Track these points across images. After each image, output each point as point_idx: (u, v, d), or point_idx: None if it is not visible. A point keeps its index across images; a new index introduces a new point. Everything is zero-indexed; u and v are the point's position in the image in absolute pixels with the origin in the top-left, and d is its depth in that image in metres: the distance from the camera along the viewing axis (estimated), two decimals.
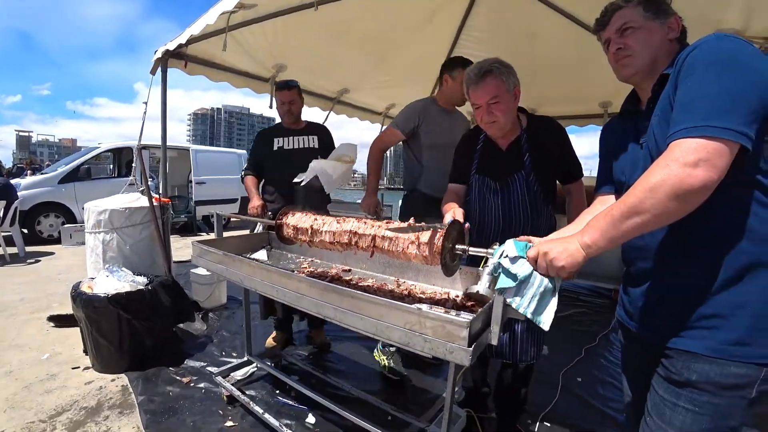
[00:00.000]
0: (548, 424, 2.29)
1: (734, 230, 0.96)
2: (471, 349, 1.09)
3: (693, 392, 1.00)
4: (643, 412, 1.17)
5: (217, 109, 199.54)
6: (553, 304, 1.13)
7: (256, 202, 2.74)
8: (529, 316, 1.12)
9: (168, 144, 3.50)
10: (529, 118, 1.94)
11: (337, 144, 2.93)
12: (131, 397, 2.37)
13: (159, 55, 2.99)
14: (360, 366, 2.84)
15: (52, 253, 6.07)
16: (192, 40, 2.82)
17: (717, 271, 0.97)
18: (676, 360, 1.03)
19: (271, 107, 3.80)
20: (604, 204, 1.31)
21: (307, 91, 4.08)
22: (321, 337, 3.09)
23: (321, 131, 3.03)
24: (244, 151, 9.62)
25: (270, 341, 3.03)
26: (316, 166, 2.58)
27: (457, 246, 1.30)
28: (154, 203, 3.30)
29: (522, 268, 1.12)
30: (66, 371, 2.64)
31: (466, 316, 1.17)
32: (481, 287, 1.25)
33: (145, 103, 3.37)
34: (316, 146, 2.92)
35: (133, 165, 3.96)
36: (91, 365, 2.68)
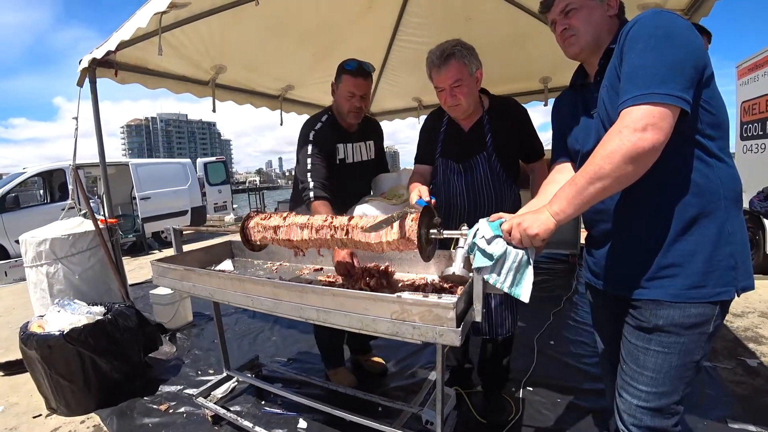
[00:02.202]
0: (531, 389, 2.39)
1: (681, 186, 1.07)
2: (460, 329, 1.11)
3: (661, 335, 1.12)
4: (617, 362, 1.29)
5: (152, 118, 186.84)
6: (530, 276, 1.18)
7: (341, 258, 1.75)
8: (506, 290, 1.17)
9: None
10: (491, 99, 1.97)
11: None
12: None
13: (85, 64, 2.75)
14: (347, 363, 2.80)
15: None
16: (122, 46, 2.60)
17: (669, 224, 1.09)
18: (644, 309, 1.14)
19: (214, 111, 3.65)
20: (561, 173, 1.41)
21: (251, 91, 3.95)
22: (376, 364, 2.61)
23: (375, 131, 2.34)
24: (188, 160, 9.17)
25: (340, 380, 2.45)
26: (363, 210, 2.07)
27: (431, 230, 1.31)
28: (100, 226, 3.07)
29: (497, 247, 1.16)
30: (27, 422, 2.41)
31: (448, 298, 1.19)
32: (456, 268, 1.28)
33: (76, 118, 3.12)
34: (373, 156, 2.29)
35: (70, 187, 3.67)
36: (54, 410, 2.47)
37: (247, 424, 1.98)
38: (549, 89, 4.26)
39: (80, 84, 2.97)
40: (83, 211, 3.28)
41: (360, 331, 1.23)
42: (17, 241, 6.36)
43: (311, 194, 1.96)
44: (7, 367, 3.04)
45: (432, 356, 2.79)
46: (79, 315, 2.48)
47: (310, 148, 2.07)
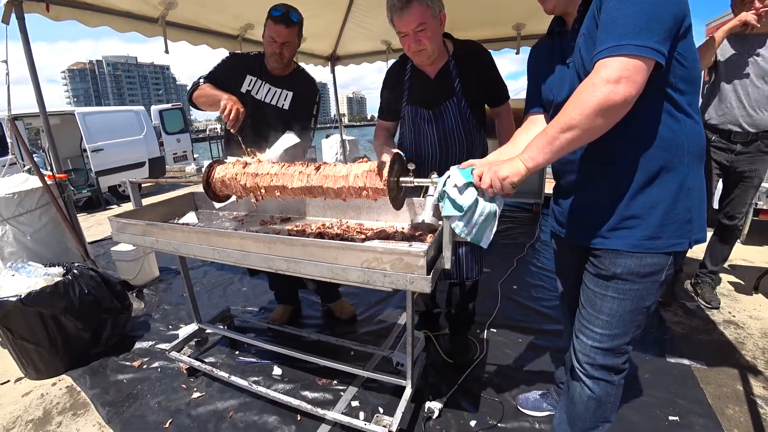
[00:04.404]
0: (494, 330, 2.53)
1: (647, 139, 1.08)
2: (430, 276, 1.13)
3: (618, 283, 1.19)
4: (575, 307, 1.37)
5: (98, 61, 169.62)
6: (494, 226, 1.20)
7: (233, 102, 1.90)
8: (469, 240, 1.18)
9: (50, 110, 2.96)
10: (455, 43, 1.91)
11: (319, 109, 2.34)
12: (81, 395, 2.19)
13: None
14: (311, 311, 2.87)
15: None
16: None
17: (632, 177, 1.11)
18: (603, 258, 1.19)
19: (167, 52, 3.35)
20: (535, 123, 1.41)
21: (206, 30, 3.63)
22: (346, 309, 2.72)
23: (301, 86, 2.29)
24: (142, 108, 8.53)
25: (274, 317, 2.67)
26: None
27: (401, 178, 1.29)
28: (48, 182, 2.87)
29: (467, 198, 1.15)
30: None
31: (418, 246, 1.20)
32: (426, 216, 1.28)
33: (5, 61, 2.79)
34: (287, 107, 2.26)
35: (8, 141, 3.36)
36: (23, 375, 2.41)
37: (222, 374, 2.01)
38: (522, 36, 4.16)
39: (5, 21, 2.63)
40: (27, 167, 3.04)
41: (330, 280, 1.23)
42: None
43: (200, 81, 2.15)
44: None
45: (400, 302, 2.89)
46: (35, 278, 2.36)
47: (221, 60, 2.25)
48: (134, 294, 3.22)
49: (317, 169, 1.31)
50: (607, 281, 1.20)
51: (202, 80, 2.16)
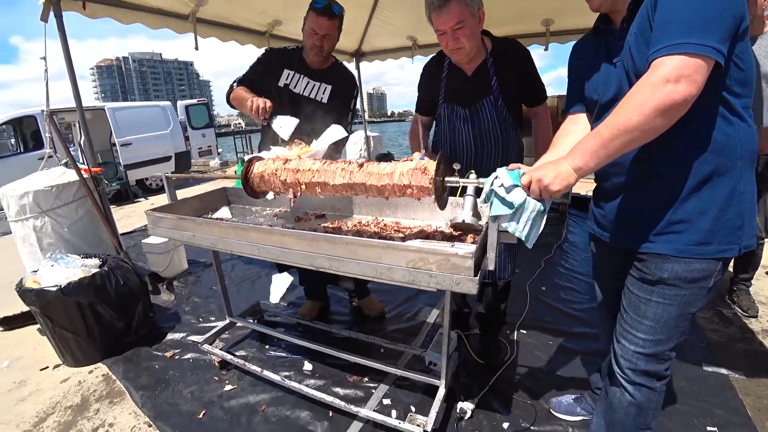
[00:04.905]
0: (524, 332, 2.48)
1: (701, 143, 1.05)
2: (477, 278, 1.11)
3: (664, 288, 1.16)
4: (614, 311, 1.35)
5: (124, 58, 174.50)
6: (542, 225, 1.18)
7: (257, 98, 1.97)
8: (522, 238, 1.16)
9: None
10: (494, 40, 1.88)
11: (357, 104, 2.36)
12: (116, 384, 2.25)
13: None
14: (338, 307, 2.87)
15: None
16: None
17: (684, 181, 1.08)
18: (649, 262, 1.17)
19: (197, 48, 3.40)
20: (576, 123, 1.38)
21: (235, 27, 3.67)
22: (375, 306, 2.70)
23: (340, 79, 2.28)
24: (168, 103, 8.69)
25: (303, 312, 2.70)
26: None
27: (447, 178, 1.26)
28: (84, 175, 2.94)
29: (517, 196, 1.13)
30: (35, 375, 2.42)
31: (464, 247, 1.18)
32: (466, 216, 1.26)
33: (44, 58, 2.87)
34: (325, 100, 2.25)
35: (46, 135, 3.45)
36: (61, 362, 2.48)
37: (255, 368, 2.03)
38: (551, 32, 4.05)
39: (44, 19, 2.71)
40: (64, 161, 3.12)
41: (374, 279, 1.22)
42: None
43: (234, 85, 2.19)
44: (5, 323, 2.99)
45: (428, 300, 2.87)
46: (73, 269, 2.43)
47: (256, 59, 2.27)
48: (164, 286, 3.29)
49: (360, 166, 1.30)
50: (652, 286, 1.18)
51: (236, 84, 2.21)
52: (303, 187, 1.36)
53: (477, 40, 1.75)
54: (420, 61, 4.98)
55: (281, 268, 2.68)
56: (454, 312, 2.46)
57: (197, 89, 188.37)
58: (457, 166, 1.25)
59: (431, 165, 1.21)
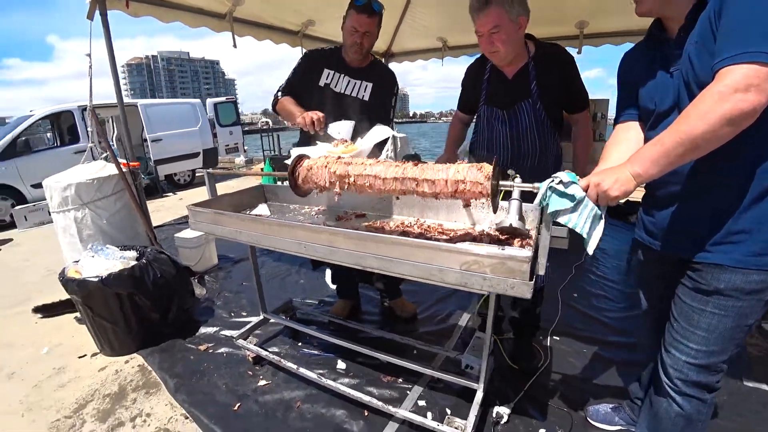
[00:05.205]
0: (557, 338, 2.45)
1: (764, 152, 1.04)
2: (532, 282, 1.10)
3: (720, 299, 1.15)
4: (660, 320, 1.35)
5: (153, 56, 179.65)
6: (600, 229, 1.15)
7: (308, 113, 1.98)
8: (584, 235, 1.13)
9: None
10: (537, 45, 1.89)
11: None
12: (152, 375, 2.30)
13: None
14: (369, 306, 2.88)
15: (9, 240, 5.54)
16: None
17: (745, 191, 1.07)
18: (704, 272, 1.15)
19: (235, 46, 3.46)
20: (627, 131, 1.36)
21: (270, 26, 3.72)
22: (407, 307, 2.70)
23: (381, 77, 2.29)
24: (198, 100, 8.86)
25: (335, 310, 2.72)
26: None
27: (502, 182, 1.25)
28: (123, 169, 3.02)
29: (576, 190, 1.11)
30: (73, 362, 2.49)
31: (519, 251, 1.16)
32: (513, 220, 1.25)
33: (89, 55, 2.96)
34: (366, 98, 2.25)
35: (88, 129, 3.56)
36: (98, 351, 2.56)
37: (290, 365, 2.04)
38: (584, 35, 3.97)
39: (90, 17, 2.79)
40: (104, 155, 3.21)
41: (425, 281, 1.21)
42: (33, 186, 6.43)
43: (279, 95, 2.24)
44: (45, 310, 3.09)
45: (460, 302, 2.85)
46: (113, 260, 2.49)
47: (297, 62, 2.30)
48: (196, 280, 3.35)
49: (415, 165, 1.30)
50: (707, 296, 1.16)
51: (280, 93, 2.25)
52: (352, 179, 1.36)
53: (514, 45, 1.77)
54: (449, 63, 4.97)
55: (316, 265, 2.69)
56: (486, 316, 2.43)
57: (222, 87, 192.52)
58: (511, 173, 1.24)
59: (487, 166, 1.20)
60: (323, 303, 2.97)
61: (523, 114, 1.88)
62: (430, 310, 2.79)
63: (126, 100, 8.43)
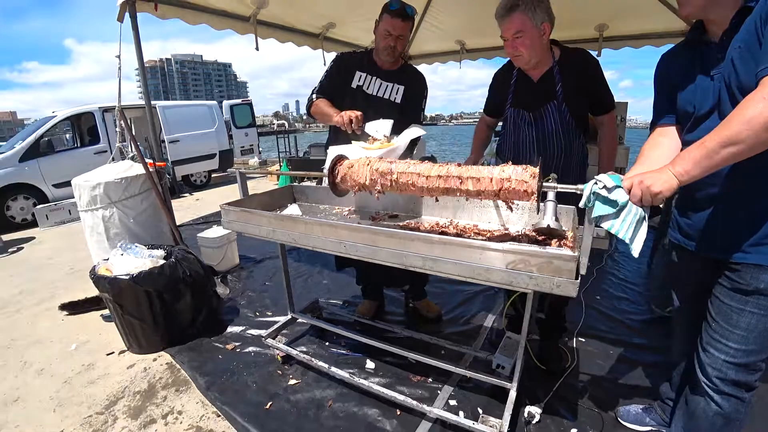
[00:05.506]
0: (583, 339, 2.45)
1: None
2: (578, 281, 1.11)
3: (760, 298, 1.16)
4: (694, 321, 1.37)
5: (167, 59, 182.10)
6: (644, 231, 1.16)
7: (346, 112, 2.00)
8: (627, 241, 1.15)
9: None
10: (562, 50, 1.94)
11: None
12: (181, 373, 2.33)
13: None
14: (392, 307, 2.89)
15: (32, 238, 5.64)
16: None
17: None
18: (744, 273, 1.17)
19: (257, 49, 3.51)
20: (665, 135, 1.37)
21: (290, 28, 3.76)
22: (432, 308, 2.72)
23: (412, 80, 2.34)
24: (215, 102, 8.98)
25: (361, 310, 2.74)
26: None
27: (544, 183, 1.27)
28: (150, 169, 3.07)
29: (620, 195, 1.13)
30: (101, 359, 2.53)
31: (557, 250, 1.17)
32: (550, 221, 1.27)
33: (118, 57, 3.02)
34: (399, 100, 2.29)
35: (117, 130, 3.63)
36: (126, 348, 2.60)
37: (322, 364, 2.06)
38: (604, 38, 3.96)
39: (120, 19, 2.85)
40: (131, 154, 3.27)
41: (469, 280, 1.22)
42: (55, 185, 6.55)
43: (313, 97, 2.26)
44: (71, 308, 3.14)
45: (483, 304, 2.87)
46: (142, 258, 2.53)
47: (329, 65, 2.33)
48: (219, 280, 3.39)
49: (458, 165, 1.31)
50: (746, 296, 1.18)
51: (314, 96, 2.28)
52: (395, 176, 1.37)
53: (537, 50, 1.81)
54: (467, 66, 4.97)
55: (340, 266, 2.71)
56: (512, 317, 2.44)
57: (234, 90, 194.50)
58: (553, 176, 1.26)
59: (531, 167, 1.21)
60: (348, 303, 2.99)
61: (549, 116, 1.93)
62: (455, 311, 2.79)
63: (140, 102, 8.60)
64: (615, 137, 2.03)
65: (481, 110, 2.33)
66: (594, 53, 4.04)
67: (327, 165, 1.62)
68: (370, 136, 1.95)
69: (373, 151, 1.76)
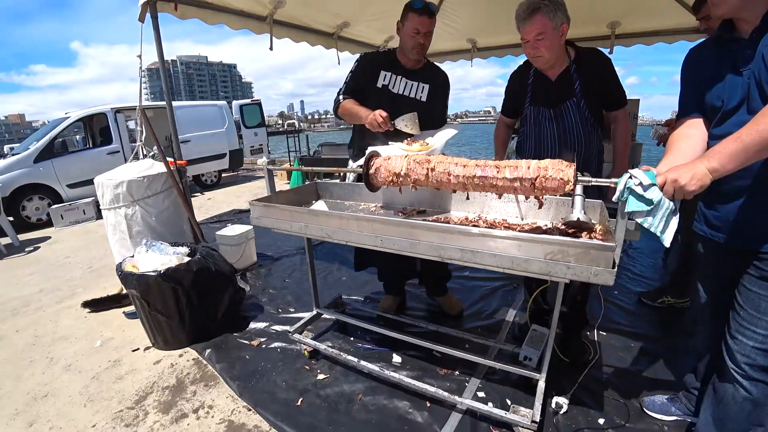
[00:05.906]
0: (603, 333, 2.47)
1: None
2: (615, 270, 1.14)
3: None
4: (720, 311, 1.40)
5: (172, 61, 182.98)
6: (675, 223, 1.20)
7: (373, 113, 2.06)
8: (658, 234, 1.20)
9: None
10: (577, 50, 2.02)
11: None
12: (208, 368, 2.36)
13: None
14: (413, 303, 2.92)
15: (47, 238, 5.72)
16: None
17: None
18: None
19: (271, 49, 3.56)
20: (693, 128, 1.39)
21: (305, 28, 3.80)
22: (454, 304, 2.72)
23: (436, 78, 2.37)
24: (224, 102, 9.05)
25: (384, 306, 2.74)
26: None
27: (580, 177, 1.30)
28: (171, 167, 3.12)
29: (654, 194, 1.17)
30: (128, 355, 2.57)
31: (595, 241, 1.20)
32: (580, 214, 1.31)
33: (139, 56, 3.08)
34: (424, 98, 2.33)
35: (138, 129, 3.68)
36: (151, 344, 2.63)
37: (351, 358, 2.09)
38: (616, 35, 3.97)
39: (141, 20, 2.91)
40: (152, 153, 3.32)
41: (508, 271, 1.25)
42: (69, 186, 6.62)
43: (340, 98, 2.31)
44: (93, 305, 3.18)
45: (503, 299, 2.90)
46: (167, 255, 2.57)
47: (353, 66, 2.36)
48: (239, 277, 3.43)
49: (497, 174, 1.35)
50: None
51: (341, 97, 2.32)
52: (433, 167, 1.41)
53: (556, 51, 1.88)
54: (477, 65, 4.97)
55: (359, 265, 2.75)
56: (534, 310, 2.47)
57: (239, 90, 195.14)
58: (587, 175, 1.30)
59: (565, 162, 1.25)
60: (369, 299, 3.02)
61: (569, 112, 2.00)
62: (475, 306, 2.83)
63: (153, 103, 8.69)
64: (629, 132, 2.07)
65: (486, 109, 2.42)
66: (606, 51, 4.09)
67: (362, 161, 1.66)
68: (402, 135, 2.00)
69: (413, 153, 1.80)
